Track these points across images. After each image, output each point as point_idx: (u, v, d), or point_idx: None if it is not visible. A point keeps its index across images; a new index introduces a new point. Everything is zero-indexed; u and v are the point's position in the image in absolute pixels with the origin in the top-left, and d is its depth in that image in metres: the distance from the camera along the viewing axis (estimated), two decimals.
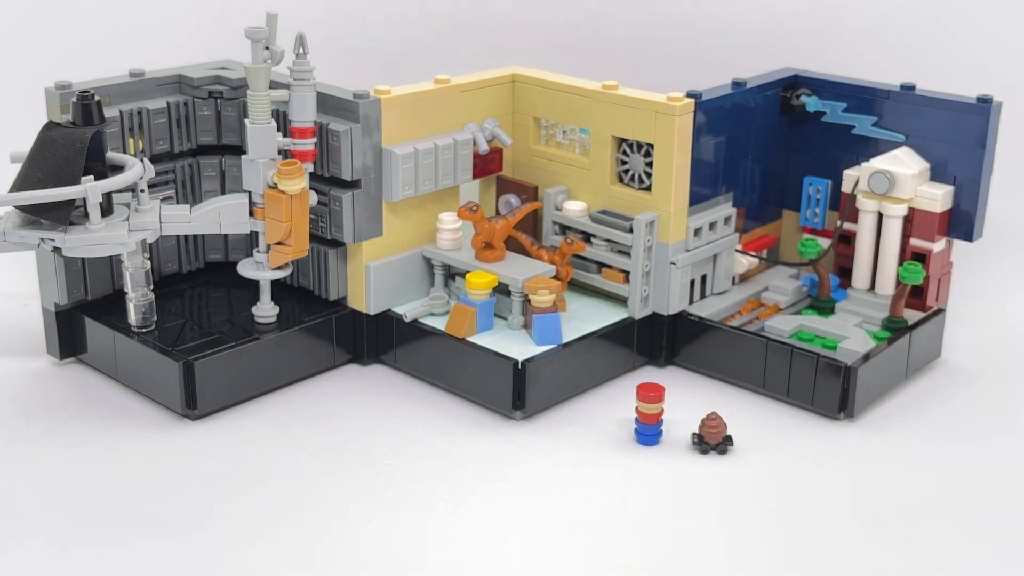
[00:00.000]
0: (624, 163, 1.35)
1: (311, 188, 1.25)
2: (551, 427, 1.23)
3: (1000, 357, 1.40)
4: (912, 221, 1.36)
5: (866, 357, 1.24)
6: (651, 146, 1.31)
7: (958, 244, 1.42)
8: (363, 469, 1.15)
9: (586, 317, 1.33)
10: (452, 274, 1.36)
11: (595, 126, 1.35)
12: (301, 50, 1.22)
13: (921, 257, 1.36)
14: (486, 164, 1.38)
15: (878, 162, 1.35)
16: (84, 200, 1.15)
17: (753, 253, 1.44)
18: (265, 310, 1.29)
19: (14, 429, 1.20)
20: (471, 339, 1.27)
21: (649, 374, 1.34)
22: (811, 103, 1.42)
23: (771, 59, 1.69)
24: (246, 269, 1.29)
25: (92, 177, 1.15)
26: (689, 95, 1.30)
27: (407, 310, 1.32)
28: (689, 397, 1.28)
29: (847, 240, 1.41)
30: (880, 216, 1.37)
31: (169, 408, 1.24)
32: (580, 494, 1.12)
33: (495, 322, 1.30)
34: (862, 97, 1.40)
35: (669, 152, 1.29)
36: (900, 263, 1.36)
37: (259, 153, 1.22)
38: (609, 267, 1.35)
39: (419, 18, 1.92)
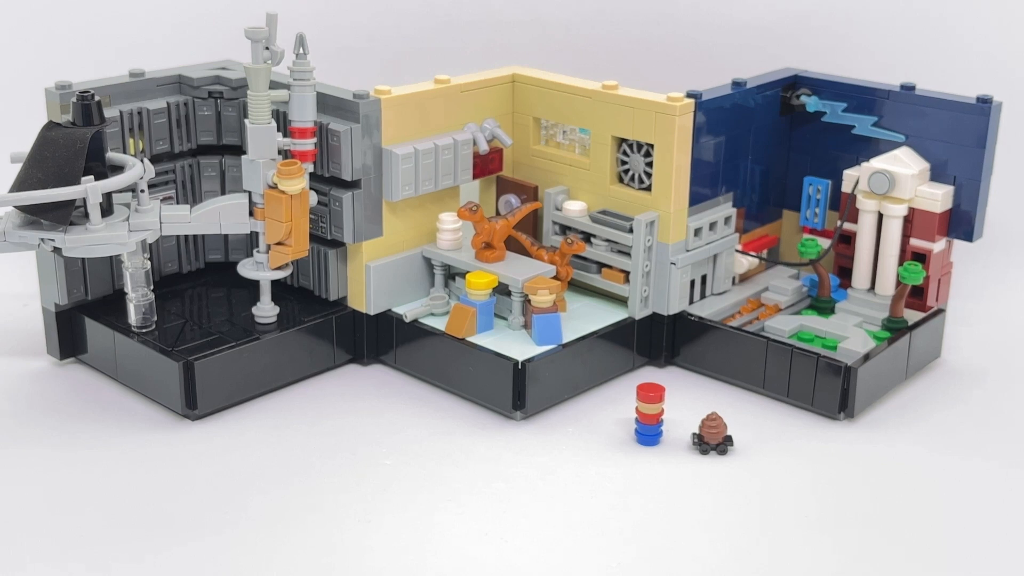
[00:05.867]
0: (624, 163, 1.35)
1: (311, 188, 1.25)
2: (551, 427, 1.23)
3: (1000, 357, 1.40)
4: (912, 221, 1.36)
5: (866, 357, 1.24)
6: (651, 146, 1.31)
7: (958, 244, 1.42)
8: (363, 469, 1.15)
9: (586, 317, 1.33)
10: (452, 274, 1.36)
11: (595, 126, 1.35)
12: (301, 50, 1.22)
13: (921, 257, 1.36)
14: (486, 164, 1.38)
15: (878, 162, 1.35)
16: (84, 200, 1.16)
17: (753, 253, 1.44)
18: (265, 310, 1.29)
19: (14, 429, 1.20)
20: (471, 339, 1.27)
21: (649, 374, 1.34)
22: (811, 103, 1.41)
23: (771, 59, 1.69)
24: (246, 269, 1.29)
25: (92, 177, 1.15)
26: (689, 95, 1.30)
27: (407, 310, 1.32)
28: (689, 397, 1.28)
29: (847, 240, 1.41)
30: (880, 216, 1.37)
31: (169, 408, 1.24)
32: (580, 494, 1.11)
33: (495, 322, 1.30)
34: (862, 97, 1.40)
35: (669, 152, 1.29)
36: (900, 263, 1.36)
37: (259, 153, 1.22)
38: (609, 267, 1.35)
39: (419, 18, 1.92)
